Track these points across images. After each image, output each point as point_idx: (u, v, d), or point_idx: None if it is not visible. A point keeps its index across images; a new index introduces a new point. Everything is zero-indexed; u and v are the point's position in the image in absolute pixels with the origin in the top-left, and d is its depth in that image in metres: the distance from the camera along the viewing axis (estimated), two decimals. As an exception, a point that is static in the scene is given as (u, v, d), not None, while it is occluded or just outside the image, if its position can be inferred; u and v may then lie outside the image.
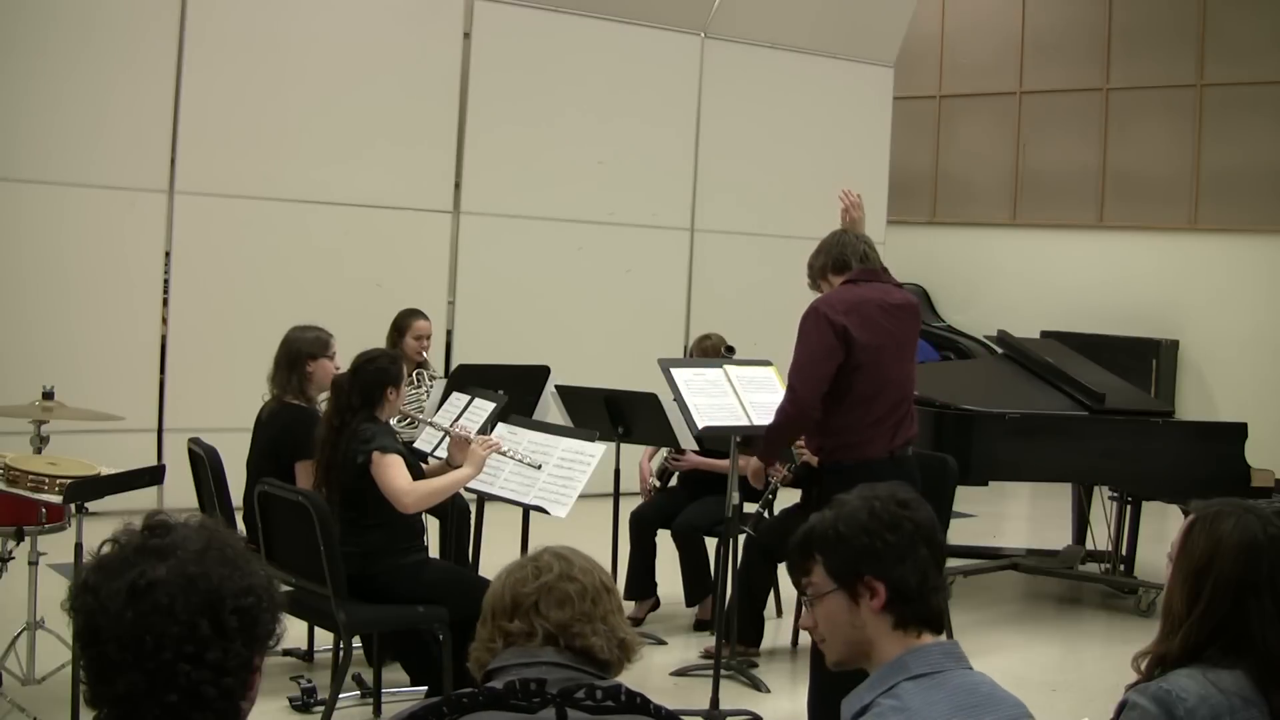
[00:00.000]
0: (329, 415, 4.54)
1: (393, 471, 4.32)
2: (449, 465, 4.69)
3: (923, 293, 12.74)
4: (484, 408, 5.11)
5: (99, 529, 1.73)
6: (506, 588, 2.08)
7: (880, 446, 4.37)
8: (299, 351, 5.05)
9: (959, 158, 12.89)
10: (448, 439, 4.78)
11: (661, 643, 5.75)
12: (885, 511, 2.15)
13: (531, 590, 2.06)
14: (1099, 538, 7.05)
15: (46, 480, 4.11)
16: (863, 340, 4.31)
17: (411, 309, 6.13)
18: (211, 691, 1.55)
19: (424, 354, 6.08)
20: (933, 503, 4.84)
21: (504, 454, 4.61)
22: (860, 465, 4.32)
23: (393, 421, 4.67)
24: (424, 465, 4.81)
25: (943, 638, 2.19)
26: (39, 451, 4.55)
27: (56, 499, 4.12)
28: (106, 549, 1.61)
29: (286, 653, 5.13)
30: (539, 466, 4.57)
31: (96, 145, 7.46)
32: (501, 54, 8.79)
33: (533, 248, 8.94)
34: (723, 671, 4.89)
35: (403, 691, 4.69)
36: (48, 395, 4.73)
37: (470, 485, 4.63)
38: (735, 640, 5.36)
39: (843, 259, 4.53)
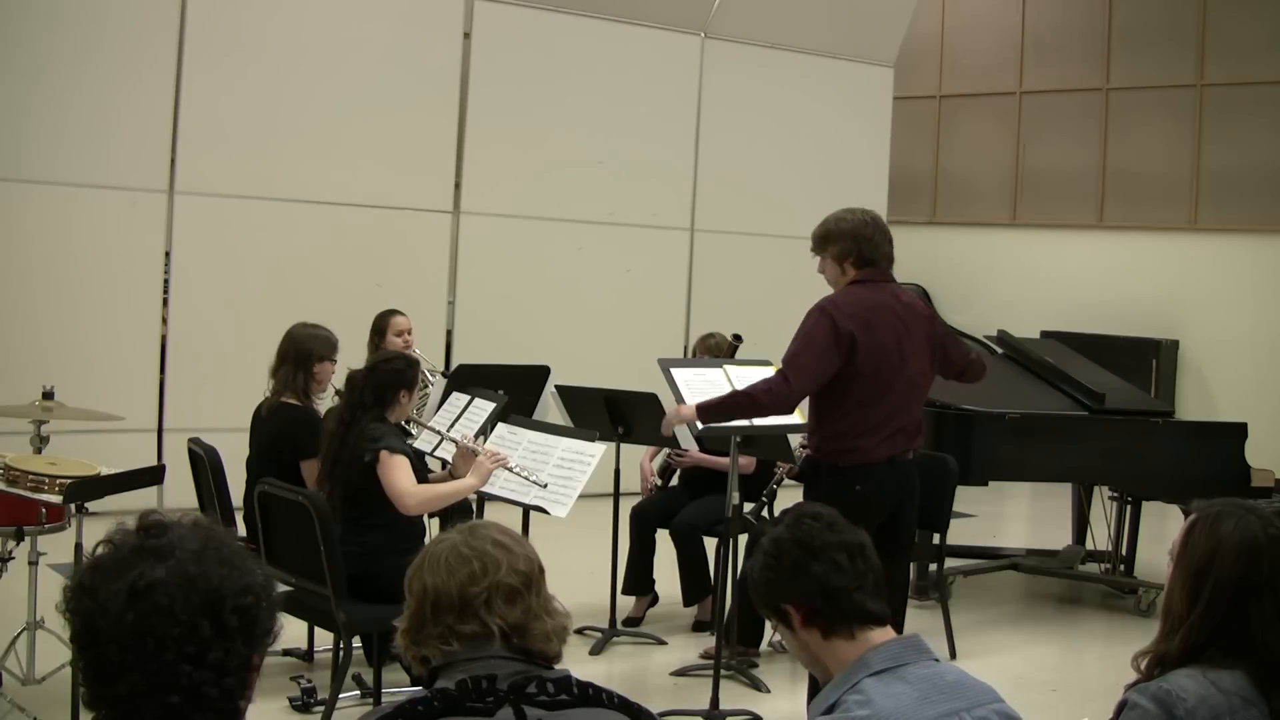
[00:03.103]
0: (340, 410, 4.55)
1: (399, 473, 4.33)
2: (451, 475, 4.69)
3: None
4: (484, 408, 5.11)
5: (99, 529, 1.73)
6: (452, 585, 2.03)
7: (880, 452, 4.33)
8: (310, 351, 5.05)
9: (959, 158, 12.89)
10: (446, 441, 4.78)
11: (661, 643, 5.75)
12: (770, 543, 2.31)
13: (481, 589, 2.02)
14: (1099, 538, 7.05)
15: (46, 480, 4.11)
16: (866, 348, 4.24)
17: (387, 309, 6.14)
18: (213, 692, 1.55)
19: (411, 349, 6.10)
20: (933, 503, 4.84)
21: (510, 469, 4.59)
22: (858, 468, 4.31)
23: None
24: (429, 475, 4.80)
25: (890, 632, 2.25)
26: (39, 451, 4.55)
27: (56, 499, 4.12)
28: (102, 550, 1.61)
29: (286, 653, 5.14)
30: (545, 485, 4.54)
31: (97, 146, 7.46)
32: (501, 54, 8.79)
33: (533, 248, 8.94)
34: (723, 671, 4.88)
35: (403, 691, 4.67)
36: (48, 395, 4.72)
37: (471, 486, 4.63)
38: (735, 640, 5.36)
39: (870, 257, 4.39)
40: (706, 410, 4.51)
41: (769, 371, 5.05)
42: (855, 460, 4.30)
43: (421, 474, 4.58)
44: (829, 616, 2.22)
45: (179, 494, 5.43)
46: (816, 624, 2.23)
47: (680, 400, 4.80)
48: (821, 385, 4.27)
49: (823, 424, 4.37)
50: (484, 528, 2.13)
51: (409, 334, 6.11)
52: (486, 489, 4.72)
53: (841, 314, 4.25)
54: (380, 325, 6.06)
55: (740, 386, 4.88)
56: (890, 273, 4.44)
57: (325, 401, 5.21)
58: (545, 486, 4.54)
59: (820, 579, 2.23)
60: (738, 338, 5.91)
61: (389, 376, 4.52)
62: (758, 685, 5.19)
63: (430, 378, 6.07)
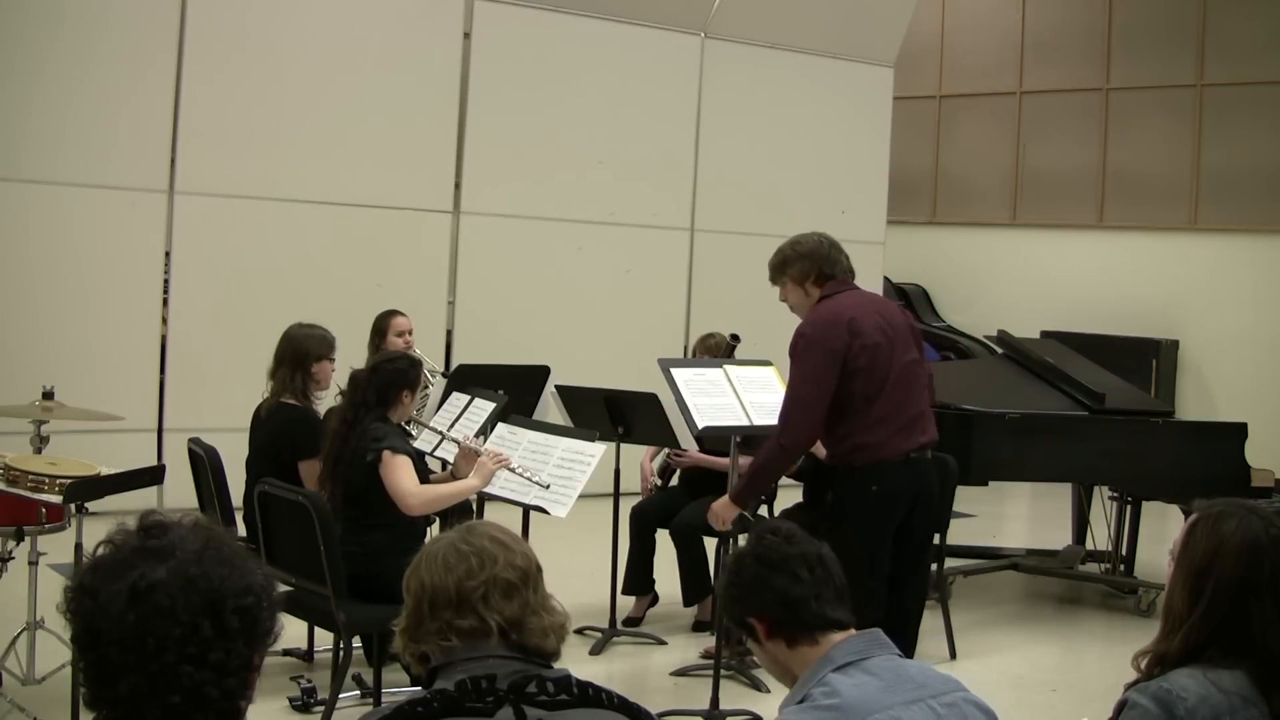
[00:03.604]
0: (342, 409, 4.55)
1: (401, 473, 4.33)
2: (453, 475, 4.69)
3: (923, 293, 12.74)
4: (484, 408, 5.11)
5: (99, 529, 1.73)
6: (449, 580, 2.03)
7: (893, 448, 4.35)
8: (307, 352, 5.05)
9: (959, 158, 12.89)
10: (446, 441, 4.77)
11: (661, 643, 5.75)
12: (735, 560, 2.42)
13: (479, 584, 2.02)
14: (1099, 538, 7.05)
15: (46, 480, 4.11)
16: (857, 348, 4.30)
17: (387, 310, 6.14)
18: (214, 692, 1.55)
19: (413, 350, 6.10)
20: (932, 503, 4.85)
21: (513, 470, 4.59)
22: (871, 468, 4.33)
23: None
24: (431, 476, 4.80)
25: (853, 632, 2.31)
26: (39, 451, 4.54)
27: (56, 499, 4.12)
28: (102, 550, 1.60)
29: (286, 653, 5.13)
30: (547, 486, 4.54)
31: (97, 146, 7.45)
32: (501, 54, 8.79)
33: (533, 248, 8.94)
34: (723, 671, 4.88)
35: (403, 691, 4.67)
36: (48, 395, 4.72)
37: (471, 485, 4.63)
38: (735, 640, 5.36)
39: (829, 273, 4.49)
40: (745, 494, 4.59)
41: (769, 372, 5.07)
42: (868, 459, 4.33)
43: (423, 474, 4.58)
44: (791, 627, 2.30)
45: (179, 494, 5.43)
46: (780, 634, 2.31)
47: (679, 399, 4.81)
48: (829, 403, 4.31)
49: (830, 426, 4.39)
50: (481, 527, 2.14)
51: (409, 334, 6.11)
52: (487, 489, 4.73)
53: (822, 330, 4.34)
54: (381, 325, 6.06)
55: (740, 386, 4.91)
56: (853, 281, 4.53)
57: (327, 401, 5.22)
58: (548, 487, 4.53)
59: (780, 591, 2.30)
60: (736, 338, 5.93)
61: (392, 376, 4.52)
62: (758, 685, 5.19)
63: (431, 378, 6.07)
